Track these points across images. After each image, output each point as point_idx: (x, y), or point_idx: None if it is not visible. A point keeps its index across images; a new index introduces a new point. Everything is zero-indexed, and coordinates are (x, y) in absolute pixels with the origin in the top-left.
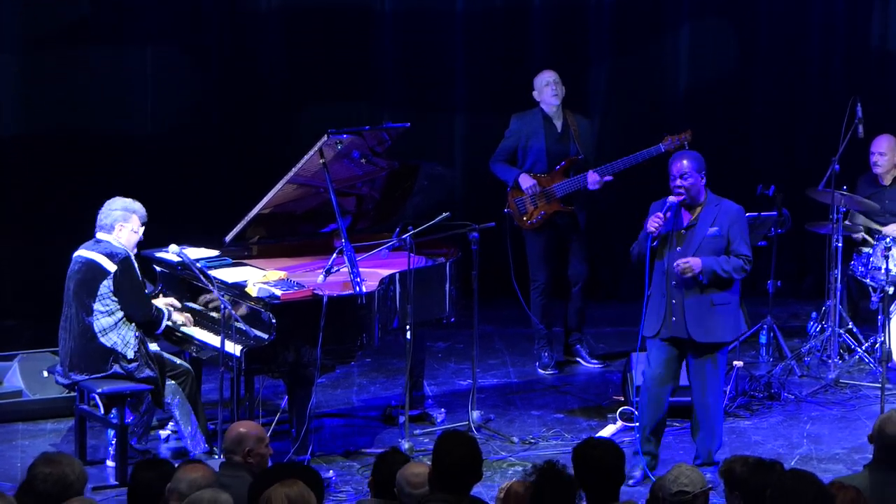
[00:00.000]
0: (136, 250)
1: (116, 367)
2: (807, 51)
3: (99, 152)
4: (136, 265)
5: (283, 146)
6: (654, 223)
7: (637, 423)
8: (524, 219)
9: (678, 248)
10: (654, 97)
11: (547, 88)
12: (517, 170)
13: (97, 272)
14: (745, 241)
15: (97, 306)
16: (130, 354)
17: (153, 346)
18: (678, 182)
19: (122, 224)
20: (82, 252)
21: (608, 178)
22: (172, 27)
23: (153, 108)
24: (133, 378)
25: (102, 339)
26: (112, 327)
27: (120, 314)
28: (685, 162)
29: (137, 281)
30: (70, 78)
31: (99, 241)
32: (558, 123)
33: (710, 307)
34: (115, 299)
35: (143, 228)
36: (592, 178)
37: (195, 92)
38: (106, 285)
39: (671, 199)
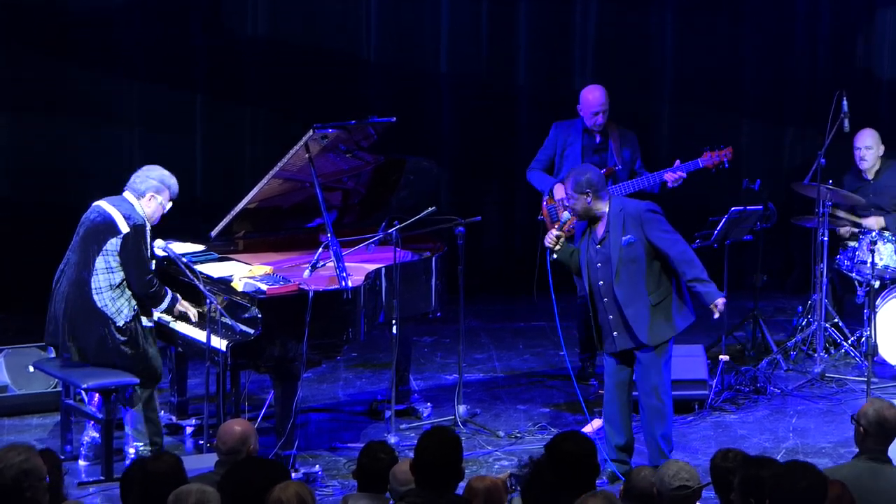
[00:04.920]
0: (157, 222)
1: (106, 332)
2: (793, 44)
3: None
4: (148, 236)
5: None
6: (548, 239)
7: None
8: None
9: (598, 265)
10: (640, 90)
11: (596, 118)
12: (553, 178)
13: (110, 228)
14: (670, 235)
15: (99, 262)
16: (120, 323)
17: (146, 322)
18: (565, 204)
19: (153, 195)
20: (103, 204)
21: (683, 174)
22: None
23: None
24: (120, 355)
25: (95, 298)
26: (107, 288)
27: (120, 277)
28: (566, 184)
29: (144, 249)
30: None
31: (123, 201)
32: (597, 134)
33: (651, 308)
34: (119, 260)
35: (170, 204)
36: (671, 177)
37: None
38: (114, 243)
39: (563, 214)
